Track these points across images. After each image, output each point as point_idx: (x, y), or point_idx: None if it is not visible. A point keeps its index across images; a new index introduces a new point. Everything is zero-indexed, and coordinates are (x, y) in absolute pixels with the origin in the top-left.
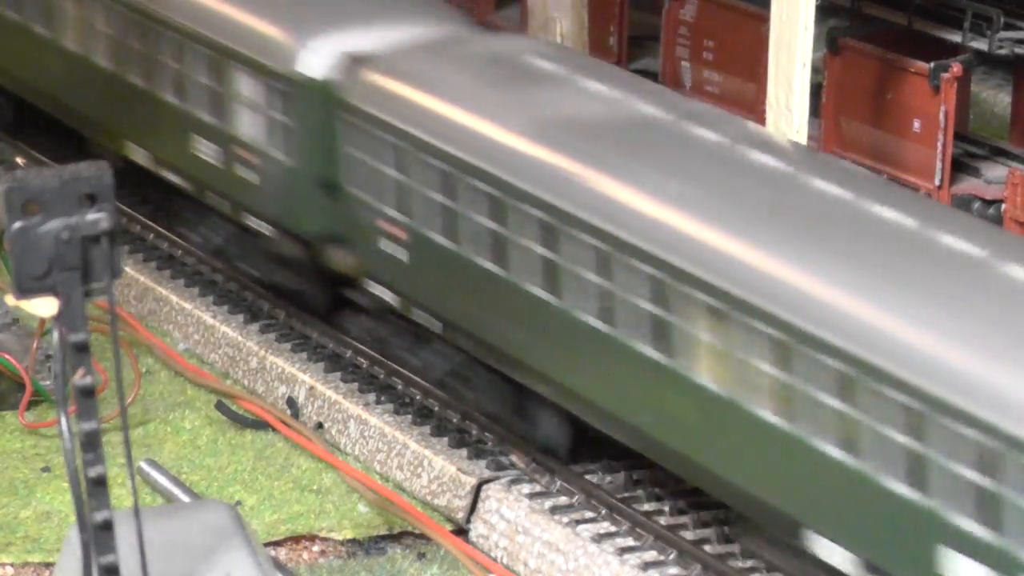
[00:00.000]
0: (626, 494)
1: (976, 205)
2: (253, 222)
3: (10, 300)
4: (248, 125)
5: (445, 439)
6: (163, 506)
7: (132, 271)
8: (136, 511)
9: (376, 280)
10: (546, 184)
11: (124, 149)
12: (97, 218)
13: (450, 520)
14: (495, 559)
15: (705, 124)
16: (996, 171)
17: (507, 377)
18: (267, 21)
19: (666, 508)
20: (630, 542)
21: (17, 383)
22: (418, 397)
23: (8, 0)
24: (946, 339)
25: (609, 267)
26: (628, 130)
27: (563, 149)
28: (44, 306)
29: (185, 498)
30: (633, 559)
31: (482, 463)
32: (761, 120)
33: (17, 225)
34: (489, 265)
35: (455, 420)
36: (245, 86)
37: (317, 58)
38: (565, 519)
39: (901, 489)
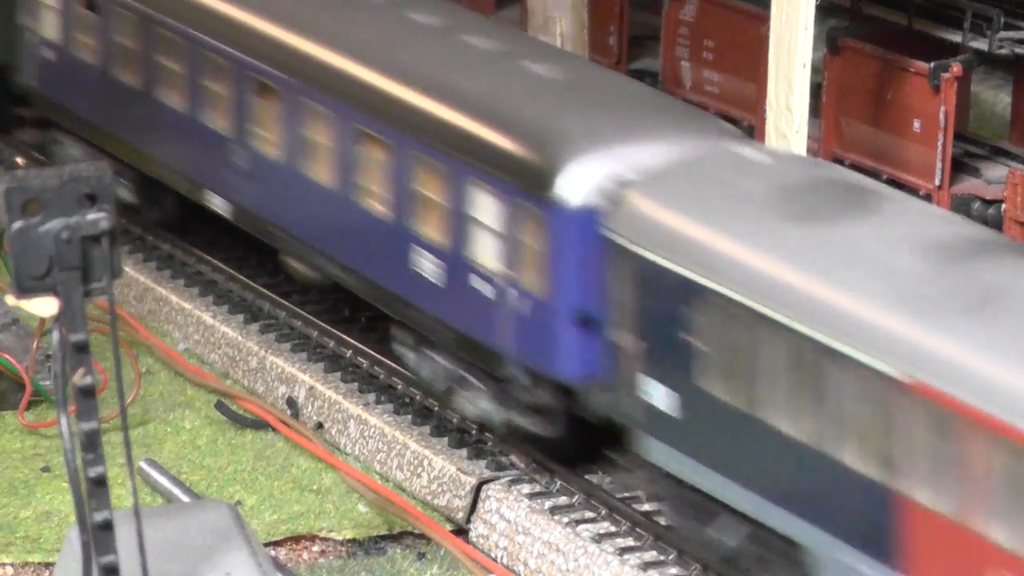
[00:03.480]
0: (626, 494)
1: (976, 205)
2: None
3: (10, 300)
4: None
5: (445, 439)
6: (163, 506)
7: (132, 271)
8: (136, 511)
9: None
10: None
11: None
12: (97, 218)
13: (450, 520)
14: (495, 559)
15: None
16: (996, 171)
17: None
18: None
19: (666, 508)
20: (630, 542)
21: (17, 383)
22: (418, 397)
23: None
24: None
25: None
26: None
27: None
28: (44, 306)
29: (185, 498)
30: (633, 559)
31: (482, 463)
32: (761, 120)
33: (17, 225)
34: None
35: (455, 420)
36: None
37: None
38: (565, 519)
39: None
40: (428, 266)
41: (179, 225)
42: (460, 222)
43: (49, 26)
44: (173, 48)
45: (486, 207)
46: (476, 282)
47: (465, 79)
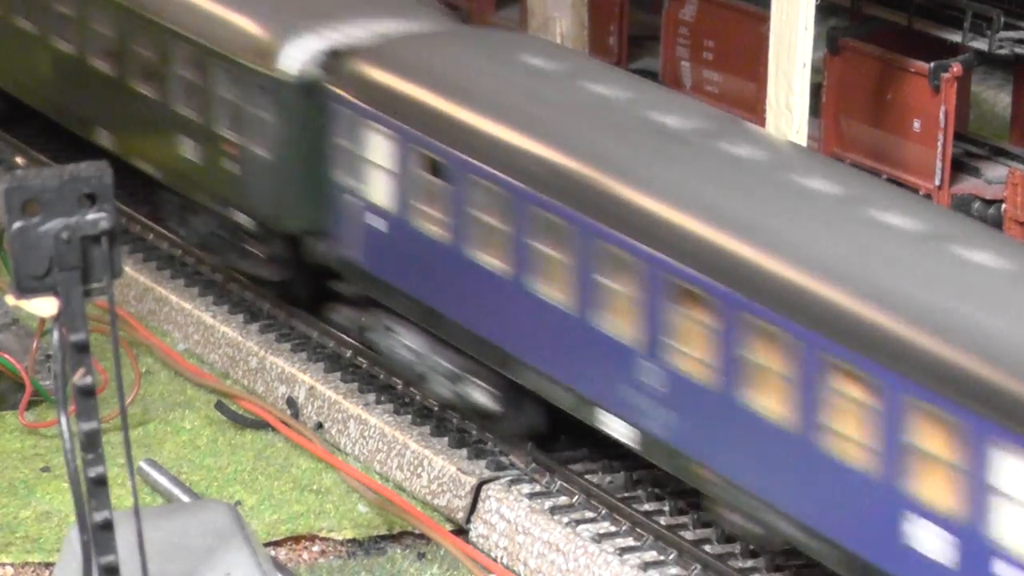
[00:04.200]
0: (626, 494)
1: (976, 205)
2: None
3: (10, 300)
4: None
5: (445, 439)
6: (163, 506)
7: (132, 271)
8: (136, 511)
9: None
10: None
11: None
12: (97, 218)
13: (450, 520)
14: (495, 559)
15: None
16: (996, 171)
17: None
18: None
19: (666, 508)
20: (630, 542)
21: (17, 383)
22: (418, 397)
23: None
24: None
25: None
26: None
27: None
28: (44, 306)
29: (185, 498)
30: (633, 559)
31: (482, 463)
32: (761, 120)
33: (17, 225)
34: None
35: (455, 420)
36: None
37: None
38: (565, 519)
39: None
40: (932, 541)
41: (547, 438)
42: (980, 491)
43: (378, 189)
44: (554, 233)
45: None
46: (1004, 569)
47: (975, 306)
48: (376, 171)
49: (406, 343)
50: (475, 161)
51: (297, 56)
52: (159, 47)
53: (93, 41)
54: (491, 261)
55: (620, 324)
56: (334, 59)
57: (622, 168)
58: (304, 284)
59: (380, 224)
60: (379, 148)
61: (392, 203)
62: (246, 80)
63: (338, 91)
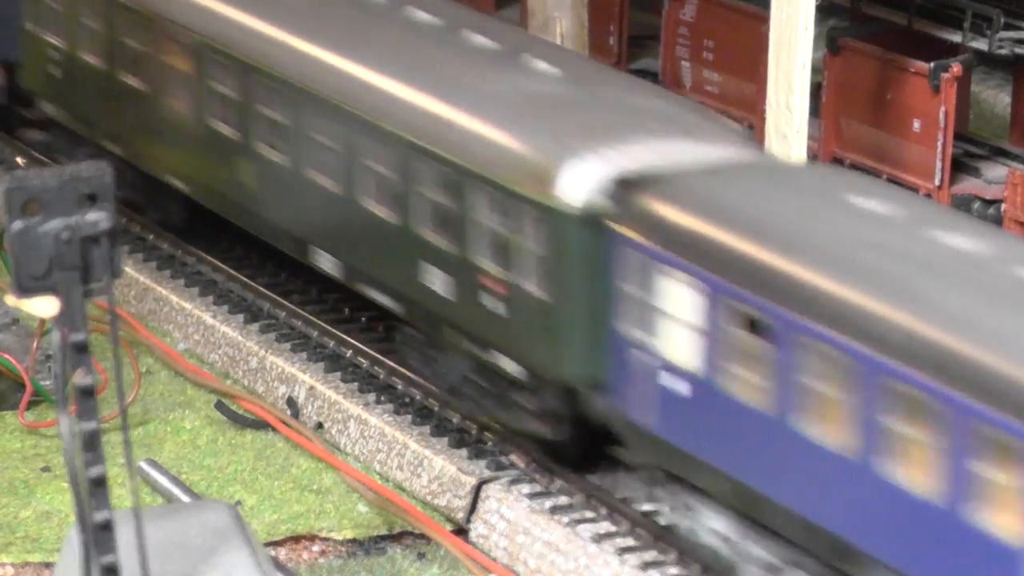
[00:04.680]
0: (626, 494)
1: (976, 205)
2: None
3: (10, 300)
4: None
5: (445, 439)
6: (163, 506)
7: (132, 271)
8: (136, 511)
9: None
10: None
11: None
12: (97, 218)
13: (450, 520)
14: (495, 559)
15: None
16: (996, 171)
17: None
18: None
19: (666, 508)
20: (630, 542)
21: (17, 383)
22: (418, 397)
23: None
24: None
25: None
26: None
27: None
28: (44, 306)
29: (185, 498)
30: (633, 559)
31: (482, 463)
32: (761, 120)
33: (17, 225)
34: None
35: (455, 420)
36: None
37: None
38: (565, 519)
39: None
40: None
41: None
42: None
43: (677, 346)
44: (918, 411)
45: None
46: None
47: None
48: (674, 325)
49: (712, 526)
50: (809, 321)
51: (579, 183)
52: (399, 163)
53: (312, 151)
54: (829, 437)
55: (1007, 521)
56: (622, 191)
57: (1005, 341)
58: (579, 443)
59: (679, 386)
60: (679, 299)
61: (696, 363)
62: (515, 208)
63: (626, 230)
